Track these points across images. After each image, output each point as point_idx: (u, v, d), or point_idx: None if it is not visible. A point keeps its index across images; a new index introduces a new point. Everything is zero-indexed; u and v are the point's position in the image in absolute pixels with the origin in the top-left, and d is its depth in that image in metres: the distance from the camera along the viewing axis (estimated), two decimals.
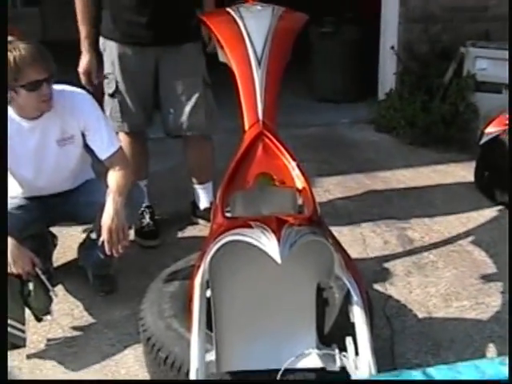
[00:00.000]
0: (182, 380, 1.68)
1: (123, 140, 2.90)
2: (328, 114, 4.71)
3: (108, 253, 2.20)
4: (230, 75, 2.16)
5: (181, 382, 1.68)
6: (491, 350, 2.15)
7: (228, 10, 2.39)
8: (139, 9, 2.64)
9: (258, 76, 2.07)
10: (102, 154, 2.35)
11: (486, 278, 2.59)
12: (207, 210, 2.99)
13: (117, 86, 2.76)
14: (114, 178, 2.31)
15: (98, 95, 2.67)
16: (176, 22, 2.69)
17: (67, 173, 2.44)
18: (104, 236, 2.17)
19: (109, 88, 2.79)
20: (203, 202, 3.09)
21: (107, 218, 2.18)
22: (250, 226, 1.55)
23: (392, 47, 4.49)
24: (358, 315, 1.58)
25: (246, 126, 2.04)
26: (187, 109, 2.79)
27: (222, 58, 2.31)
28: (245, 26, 2.21)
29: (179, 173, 3.13)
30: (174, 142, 3.21)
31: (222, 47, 2.23)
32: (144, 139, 3.02)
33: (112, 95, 2.79)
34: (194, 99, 2.79)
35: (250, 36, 2.16)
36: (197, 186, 3.09)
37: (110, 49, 2.75)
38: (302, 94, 5.03)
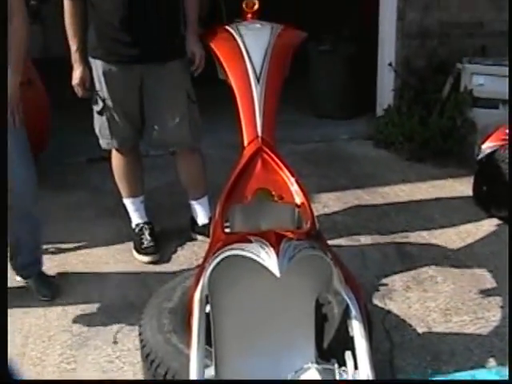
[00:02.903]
0: (181, 380, 1.69)
1: (115, 156, 2.94)
2: (327, 130, 4.74)
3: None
4: (230, 92, 2.19)
5: (181, 382, 1.69)
6: (491, 363, 2.14)
7: (227, 27, 2.42)
8: (123, 26, 2.64)
9: (256, 92, 2.09)
10: None
11: (486, 293, 2.59)
12: (206, 225, 3.00)
13: (104, 104, 2.78)
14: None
15: None
16: (161, 39, 2.71)
17: None
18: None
19: (96, 106, 2.81)
20: (201, 218, 3.10)
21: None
22: (249, 241, 1.56)
23: (390, 63, 4.52)
24: (357, 329, 1.58)
25: (245, 142, 2.06)
26: (171, 125, 2.82)
27: (221, 75, 2.33)
28: (244, 43, 2.24)
29: (178, 187, 3.15)
30: (172, 158, 3.23)
31: (221, 64, 2.26)
32: (137, 155, 3.03)
33: (100, 112, 2.81)
34: (178, 115, 2.82)
35: (249, 53, 2.19)
36: (193, 202, 3.10)
37: (95, 66, 2.76)
38: (301, 110, 5.07)
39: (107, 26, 2.67)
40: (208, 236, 3.02)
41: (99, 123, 2.84)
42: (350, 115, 4.99)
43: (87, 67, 2.77)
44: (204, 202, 3.09)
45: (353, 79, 4.97)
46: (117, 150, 2.91)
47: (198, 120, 2.93)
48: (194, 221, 3.14)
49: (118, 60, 2.71)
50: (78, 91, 2.78)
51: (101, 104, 2.78)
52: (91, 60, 2.77)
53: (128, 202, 3.07)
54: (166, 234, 3.16)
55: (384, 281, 2.70)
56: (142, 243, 2.97)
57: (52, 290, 2.64)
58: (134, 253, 2.96)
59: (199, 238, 3.09)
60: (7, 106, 2.27)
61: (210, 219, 2.94)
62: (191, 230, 3.15)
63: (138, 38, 2.66)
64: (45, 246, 2.82)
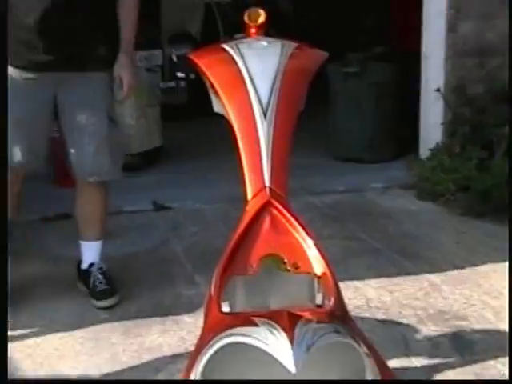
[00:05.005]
0: (181, 380, 1.71)
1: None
2: (354, 177, 4.81)
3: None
4: (229, 130, 2.22)
5: (181, 382, 1.68)
6: None
7: (224, 46, 2.44)
8: (38, 27, 2.81)
9: (263, 131, 2.11)
10: None
11: None
12: (87, 271, 3.26)
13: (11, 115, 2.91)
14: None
15: None
16: (83, 43, 2.90)
17: None
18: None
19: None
20: (85, 261, 3.32)
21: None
22: (254, 324, 1.56)
23: (438, 89, 4.58)
24: None
25: (250, 195, 2.07)
26: (90, 150, 3.02)
27: (217, 108, 2.35)
28: (246, 66, 2.26)
29: (164, 252, 3.18)
30: (157, 216, 3.28)
31: (217, 94, 2.29)
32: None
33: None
34: (96, 139, 3.02)
35: (253, 80, 2.20)
36: (81, 242, 3.32)
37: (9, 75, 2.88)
38: (319, 152, 5.13)
39: (20, 27, 2.83)
40: (88, 287, 3.29)
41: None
42: (384, 157, 5.05)
43: None
44: (93, 247, 3.31)
45: (388, 110, 5.04)
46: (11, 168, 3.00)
47: (119, 145, 3.14)
48: (79, 266, 3.38)
49: (28, 66, 2.88)
50: None
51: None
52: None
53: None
54: (145, 314, 3.18)
55: (435, 377, 2.68)
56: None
57: None
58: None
59: (83, 288, 3.30)
60: (7, 106, 2.45)
61: (92, 265, 3.29)
62: (77, 276, 3.37)
63: (54, 40, 2.83)
64: None
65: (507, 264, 3.51)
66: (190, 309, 3.16)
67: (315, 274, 1.94)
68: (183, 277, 3.56)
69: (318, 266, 1.93)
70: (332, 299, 1.81)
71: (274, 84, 2.22)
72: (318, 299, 1.98)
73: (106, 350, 2.95)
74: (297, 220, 2.02)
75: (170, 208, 4.52)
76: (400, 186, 4.58)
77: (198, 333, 1.97)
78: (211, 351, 1.59)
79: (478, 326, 3.03)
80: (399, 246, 3.78)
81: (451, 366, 2.76)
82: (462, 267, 3.57)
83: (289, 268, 1.94)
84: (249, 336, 1.54)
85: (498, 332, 3.00)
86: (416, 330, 3.01)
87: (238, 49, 2.38)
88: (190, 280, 3.50)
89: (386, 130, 5.07)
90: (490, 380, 2.49)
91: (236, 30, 2.73)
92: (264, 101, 2.17)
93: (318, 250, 1.95)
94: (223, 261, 1.94)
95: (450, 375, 2.70)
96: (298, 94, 2.28)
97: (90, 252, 3.35)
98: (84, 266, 3.37)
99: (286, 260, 1.95)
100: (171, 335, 3.04)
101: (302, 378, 1.48)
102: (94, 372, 2.80)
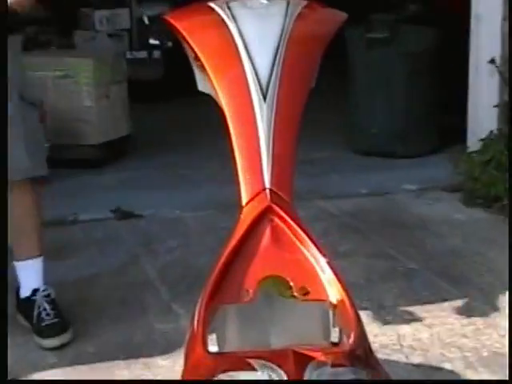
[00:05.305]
0: (181, 380, 1.77)
1: None
2: (380, 176, 4.84)
3: None
4: (218, 114, 2.22)
5: (181, 382, 1.76)
6: None
7: (212, 4, 2.44)
8: None
9: (262, 116, 2.11)
10: None
11: None
12: (28, 300, 3.27)
13: None
14: None
15: None
16: None
17: None
18: None
19: None
20: (24, 288, 3.33)
21: None
22: (249, 367, 1.57)
23: (492, 61, 4.58)
24: None
25: (244, 199, 2.06)
26: None
27: (202, 86, 2.36)
28: (240, 32, 2.26)
29: (130, 276, 3.18)
30: (123, 226, 3.28)
31: (202, 68, 2.29)
32: None
33: None
34: (8, 125, 2.97)
35: (249, 49, 2.21)
36: (15, 263, 3.33)
37: None
38: (336, 143, 5.12)
39: None
40: (31, 321, 3.29)
41: None
42: (420, 150, 5.06)
43: None
44: (30, 267, 3.32)
45: (425, 89, 5.04)
46: None
47: (39, 133, 3.19)
48: (17, 293, 3.37)
49: None
50: None
51: None
52: None
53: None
54: (107, 356, 3.17)
55: None
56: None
57: None
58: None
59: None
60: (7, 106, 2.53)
61: (35, 292, 3.27)
62: (16, 309, 3.37)
63: None
64: None
65: None
66: (166, 348, 3.16)
67: (330, 303, 1.93)
68: (157, 306, 3.55)
69: (334, 291, 1.93)
70: (352, 335, 1.80)
71: (276, 55, 2.22)
72: (334, 335, 1.99)
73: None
74: (305, 232, 2.02)
75: (140, 216, 4.52)
76: (441, 187, 4.59)
77: (177, 379, 1.99)
78: None
79: None
80: (440, 266, 3.78)
81: None
82: None
83: (295, 294, 1.93)
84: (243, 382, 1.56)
85: None
86: (463, 378, 3.01)
87: (230, 8, 2.37)
88: (166, 310, 3.50)
89: (423, 114, 5.07)
90: (490, 380, 2.46)
91: None
92: (263, 77, 2.17)
93: (334, 270, 1.95)
94: (210, 285, 1.94)
95: None
96: (307, 67, 2.29)
97: (29, 274, 3.34)
98: (24, 293, 3.36)
99: (291, 284, 1.94)
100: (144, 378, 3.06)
101: None
102: None
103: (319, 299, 1.94)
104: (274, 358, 1.59)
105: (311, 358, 1.59)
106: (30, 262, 3.32)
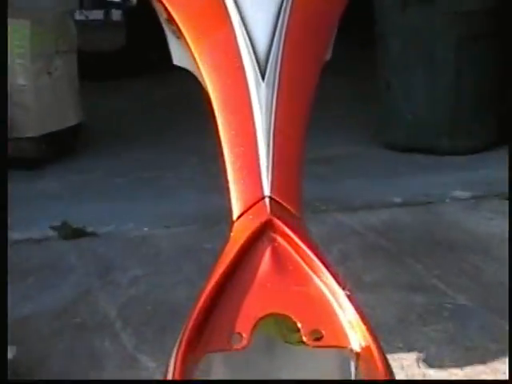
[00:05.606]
0: (181, 380, 1.76)
1: None
2: (420, 180, 4.87)
3: None
4: (201, 96, 2.20)
5: (180, 382, 1.74)
6: None
7: None
8: None
9: (259, 99, 2.13)
10: None
11: None
12: None
13: None
14: None
15: None
16: None
17: None
18: None
19: None
20: None
21: None
22: None
23: None
24: None
25: (236, 211, 2.06)
26: None
27: (178, 60, 2.36)
28: None
29: (80, 317, 3.17)
30: (71, 248, 3.26)
31: (180, 34, 2.30)
32: None
33: None
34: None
35: (243, 12, 2.23)
36: None
37: None
38: (360, 136, 5.14)
39: None
40: None
41: None
42: (473, 147, 5.07)
43: None
44: None
45: (480, 66, 5.05)
46: None
47: None
48: None
49: None
50: None
51: None
52: None
53: None
54: None
55: None
56: None
57: None
58: None
59: None
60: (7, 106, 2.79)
61: None
62: None
63: None
64: None
65: None
66: None
67: (351, 350, 1.89)
68: (118, 357, 3.55)
69: (356, 335, 1.89)
70: None
71: (277, 18, 2.23)
72: None
73: None
74: (318, 255, 1.95)
75: (93, 235, 4.55)
76: (502, 195, 4.58)
77: None
78: None
79: None
80: (502, 302, 3.74)
81: None
82: None
83: (304, 339, 1.88)
84: None
85: None
86: None
87: None
88: (131, 362, 3.50)
89: (477, 100, 5.09)
90: (490, 380, 2.50)
91: None
92: (262, 51, 2.19)
93: (356, 307, 1.90)
94: (189, 328, 1.90)
95: None
96: (318, 34, 2.28)
97: None
98: None
99: (299, 325, 1.88)
100: None
101: None
102: None
103: (337, 346, 1.90)
104: None
105: None
106: None
